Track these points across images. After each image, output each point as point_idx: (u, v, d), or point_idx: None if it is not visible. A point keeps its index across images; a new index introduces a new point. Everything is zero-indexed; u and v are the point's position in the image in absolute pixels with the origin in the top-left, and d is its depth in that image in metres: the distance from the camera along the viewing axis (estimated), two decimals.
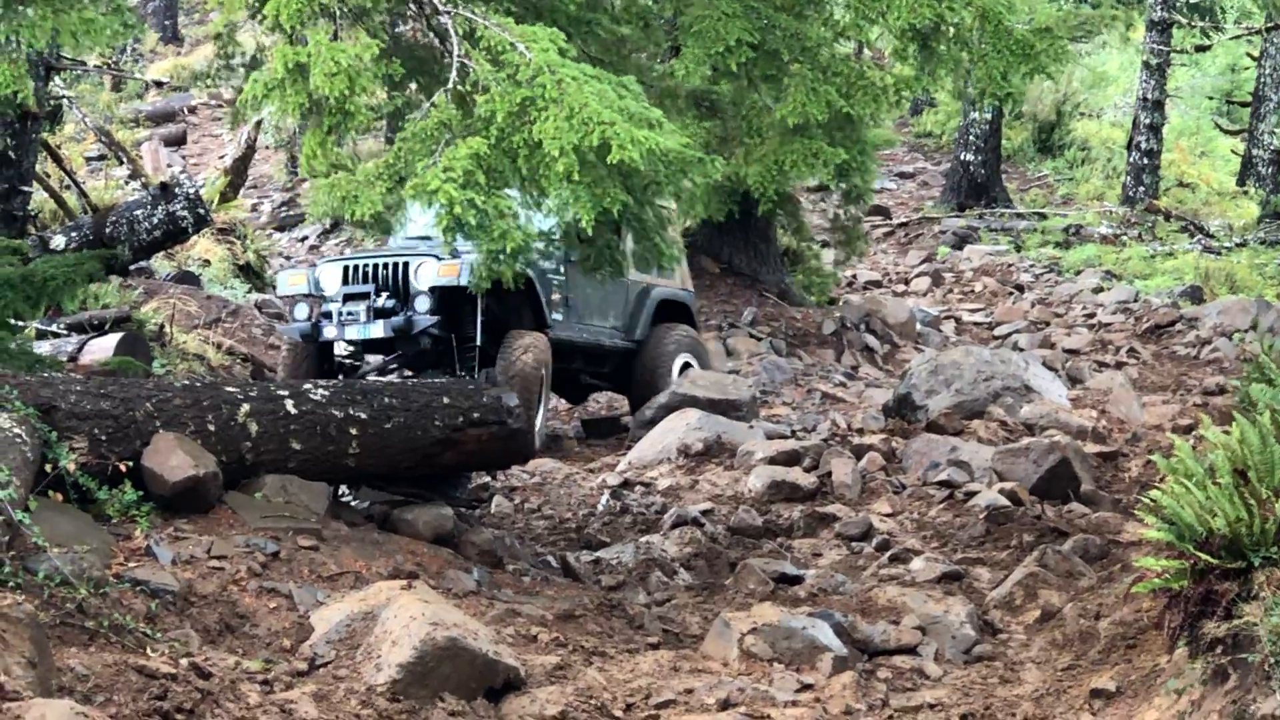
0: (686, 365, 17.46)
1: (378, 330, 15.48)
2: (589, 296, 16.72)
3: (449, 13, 8.50)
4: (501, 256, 8.36)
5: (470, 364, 15.77)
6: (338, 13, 8.80)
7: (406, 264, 15.72)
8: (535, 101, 8.03)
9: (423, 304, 15.50)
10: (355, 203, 8.44)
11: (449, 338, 15.77)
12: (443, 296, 15.59)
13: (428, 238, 15.55)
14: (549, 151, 7.87)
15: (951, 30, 10.27)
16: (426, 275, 15.54)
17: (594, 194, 7.97)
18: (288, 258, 25.71)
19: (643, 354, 17.17)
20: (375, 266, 15.92)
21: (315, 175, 10.06)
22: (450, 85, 8.48)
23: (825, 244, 21.97)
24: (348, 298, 15.74)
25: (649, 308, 17.42)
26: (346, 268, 16.03)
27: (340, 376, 16.01)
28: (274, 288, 17.43)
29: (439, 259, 15.36)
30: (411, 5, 8.86)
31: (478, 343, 15.67)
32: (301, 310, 15.91)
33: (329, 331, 15.63)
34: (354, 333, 15.60)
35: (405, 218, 11.49)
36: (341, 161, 9.26)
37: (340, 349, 16.29)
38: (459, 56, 8.43)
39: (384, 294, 15.66)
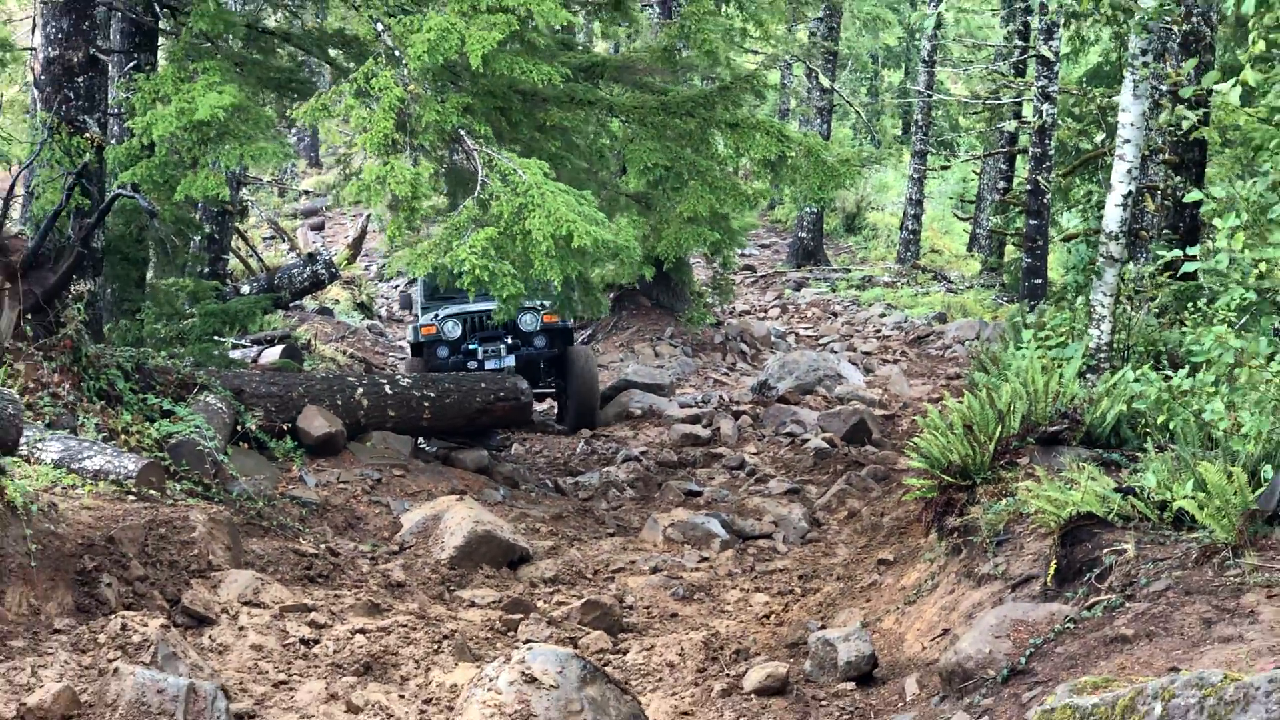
0: None
1: (511, 361, 14.50)
2: None
3: (476, 150, 8.48)
4: (506, 299, 8.38)
5: (541, 372, 15.00)
6: (407, 147, 8.81)
7: (515, 315, 14.26)
8: (527, 206, 8.03)
9: (540, 341, 14.70)
10: (416, 266, 8.50)
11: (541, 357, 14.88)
12: (547, 333, 14.77)
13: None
14: (536, 237, 7.88)
15: (789, 160, 10.28)
16: (534, 321, 14.54)
17: (562, 264, 7.99)
18: (386, 298, 25.52)
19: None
20: (493, 317, 14.34)
21: (395, 244, 10.06)
22: (476, 194, 8.47)
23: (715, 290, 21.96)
24: (483, 339, 14.58)
25: None
26: (465, 318, 14.67)
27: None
28: (410, 331, 15.78)
29: (537, 310, 14.55)
30: (458, 145, 8.81)
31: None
32: (443, 351, 14.55)
33: (472, 365, 14.43)
34: (493, 364, 14.43)
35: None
36: (413, 241, 9.33)
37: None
38: (482, 177, 8.40)
39: (509, 337, 14.61)
